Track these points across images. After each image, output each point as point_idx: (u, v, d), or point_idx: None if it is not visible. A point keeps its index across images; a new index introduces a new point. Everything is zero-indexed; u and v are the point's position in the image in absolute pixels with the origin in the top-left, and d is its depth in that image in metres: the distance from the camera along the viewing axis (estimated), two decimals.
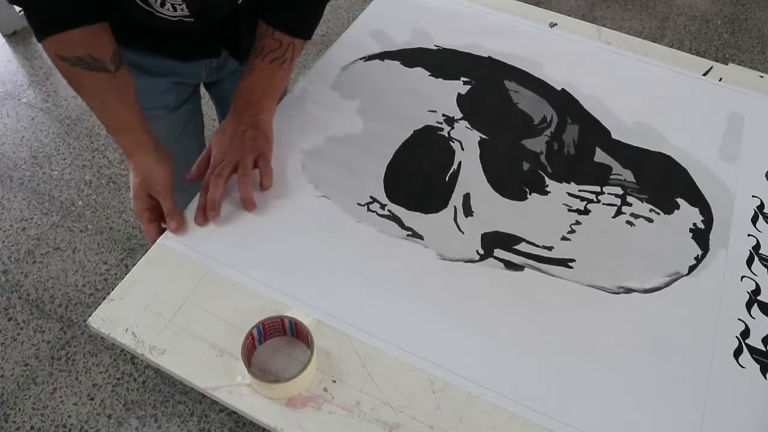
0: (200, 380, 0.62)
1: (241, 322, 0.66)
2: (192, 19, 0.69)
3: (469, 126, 0.87)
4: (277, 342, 0.65)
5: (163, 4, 0.65)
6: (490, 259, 0.73)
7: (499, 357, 0.65)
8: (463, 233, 0.75)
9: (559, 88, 0.93)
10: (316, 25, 0.81)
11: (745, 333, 0.69)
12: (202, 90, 1.01)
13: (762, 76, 0.98)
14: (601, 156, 0.85)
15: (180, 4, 0.66)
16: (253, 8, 0.77)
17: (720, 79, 0.97)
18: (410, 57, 0.96)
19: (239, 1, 0.72)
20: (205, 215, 0.73)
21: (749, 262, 0.75)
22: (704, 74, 0.98)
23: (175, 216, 0.72)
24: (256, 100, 0.78)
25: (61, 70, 0.69)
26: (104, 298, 0.68)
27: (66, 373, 1.37)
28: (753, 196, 0.82)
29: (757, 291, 0.72)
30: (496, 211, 0.77)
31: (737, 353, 0.67)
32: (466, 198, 0.78)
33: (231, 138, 0.76)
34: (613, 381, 0.64)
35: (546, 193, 0.80)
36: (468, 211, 0.77)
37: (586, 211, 0.78)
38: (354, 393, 0.62)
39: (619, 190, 0.81)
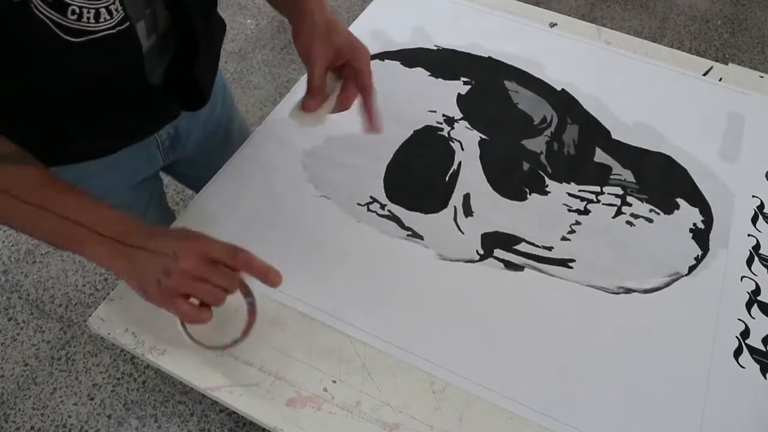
0: (200, 380, 0.62)
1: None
2: (128, 24, 0.54)
3: (469, 126, 0.87)
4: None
5: (98, 16, 0.51)
6: (490, 259, 0.73)
7: (499, 357, 0.65)
8: (463, 233, 0.75)
9: (559, 88, 0.93)
10: None
11: (745, 333, 0.69)
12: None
13: (762, 76, 0.98)
14: (601, 156, 0.85)
15: (112, 2, 0.52)
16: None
17: (720, 79, 0.97)
18: (410, 57, 0.96)
19: None
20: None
21: (749, 262, 0.75)
22: (704, 74, 0.98)
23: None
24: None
25: None
26: (104, 298, 0.68)
27: (66, 373, 1.37)
28: (753, 196, 0.82)
29: (757, 291, 0.72)
30: (496, 211, 0.77)
31: (737, 353, 0.67)
32: (466, 198, 0.79)
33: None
34: (613, 381, 0.64)
35: (546, 193, 0.80)
36: (468, 211, 0.77)
37: (586, 211, 0.78)
38: (354, 393, 0.62)
39: (619, 190, 0.81)
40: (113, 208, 0.57)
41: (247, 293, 0.61)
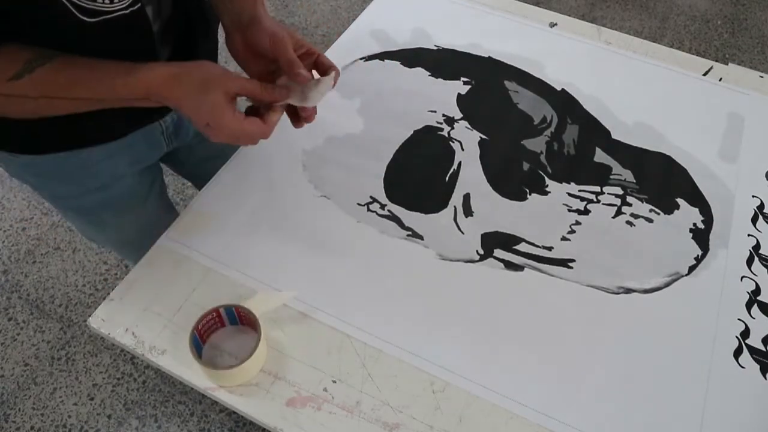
0: (200, 380, 0.62)
1: None
2: (139, 6, 0.58)
3: (469, 126, 0.87)
4: (220, 336, 0.65)
5: None
6: (490, 259, 0.73)
7: (498, 357, 0.65)
8: (463, 233, 0.75)
9: (559, 88, 0.93)
10: None
11: (745, 333, 0.69)
12: None
13: (762, 76, 0.98)
14: (601, 156, 0.85)
15: None
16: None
17: (720, 79, 0.97)
18: (410, 57, 0.96)
19: None
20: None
21: (749, 262, 0.75)
22: (704, 74, 0.98)
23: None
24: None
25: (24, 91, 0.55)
26: (104, 298, 0.68)
27: (66, 373, 1.37)
28: (753, 196, 0.82)
29: (757, 291, 0.72)
30: (496, 211, 0.77)
31: (737, 353, 0.67)
32: (466, 198, 0.79)
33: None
34: (613, 381, 0.64)
35: (546, 193, 0.80)
36: (468, 211, 0.77)
37: (586, 211, 0.78)
38: (354, 393, 0.62)
39: (619, 190, 0.81)
40: (146, 72, 0.57)
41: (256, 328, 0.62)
